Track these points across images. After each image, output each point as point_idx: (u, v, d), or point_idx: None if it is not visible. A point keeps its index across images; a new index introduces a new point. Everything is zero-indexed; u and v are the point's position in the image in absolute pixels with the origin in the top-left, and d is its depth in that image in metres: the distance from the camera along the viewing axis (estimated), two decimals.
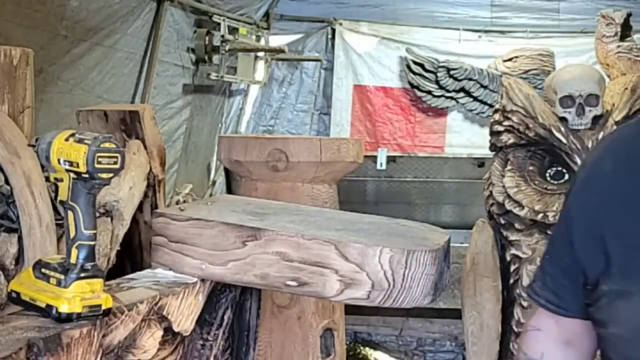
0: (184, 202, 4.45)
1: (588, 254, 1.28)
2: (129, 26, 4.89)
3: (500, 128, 2.77)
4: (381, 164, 6.16)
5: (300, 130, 7.31)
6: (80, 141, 1.14)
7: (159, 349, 1.30)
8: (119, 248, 2.11)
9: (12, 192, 1.72)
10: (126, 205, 2.15)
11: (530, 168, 2.72)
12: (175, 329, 1.34)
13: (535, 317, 1.44)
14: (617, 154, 1.32)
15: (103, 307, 1.16)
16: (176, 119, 5.81)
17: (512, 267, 2.70)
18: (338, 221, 1.45)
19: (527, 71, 6.41)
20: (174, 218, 1.43)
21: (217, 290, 1.44)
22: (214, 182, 6.62)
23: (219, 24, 6.02)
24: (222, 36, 6.01)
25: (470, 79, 6.93)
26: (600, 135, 2.62)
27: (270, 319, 2.20)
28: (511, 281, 2.70)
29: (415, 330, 5.90)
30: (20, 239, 1.72)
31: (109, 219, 2.09)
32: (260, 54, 6.88)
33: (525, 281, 2.64)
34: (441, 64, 7.01)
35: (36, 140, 1.20)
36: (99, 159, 1.13)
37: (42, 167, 1.40)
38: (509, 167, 2.73)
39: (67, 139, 1.16)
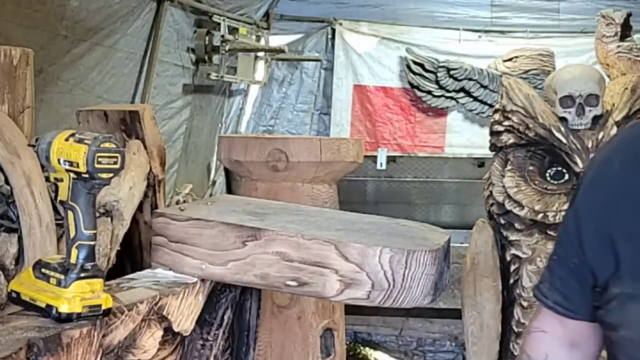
0: (184, 202, 4.45)
1: (597, 255, 1.26)
2: (129, 26, 4.89)
3: (500, 128, 2.77)
4: (381, 164, 6.16)
5: (300, 130, 7.31)
6: (80, 141, 1.14)
7: (159, 349, 1.30)
8: (119, 248, 2.11)
9: (12, 192, 1.72)
10: (126, 205, 2.15)
11: (530, 168, 2.72)
12: (175, 329, 1.34)
13: (538, 318, 1.41)
14: (626, 153, 1.30)
15: (103, 307, 1.16)
16: (176, 119, 5.81)
17: (512, 267, 2.70)
18: (338, 221, 1.45)
19: (527, 71, 6.41)
20: (174, 218, 1.43)
21: (217, 290, 1.44)
22: (214, 182, 6.62)
23: (219, 24, 6.02)
24: (222, 36, 6.01)
25: (470, 79, 6.93)
26: (600, 135, 2.62)
27: (270, 319, 2.20)
28: (511, 281, 2.70)
29: (415, 330, 5.90)
30: (20, 239, 1.72)
31: (109, 219, 2.09)
32: (260, 54, 6.88)
33: (525, 281, 2.64)
34: (441, 64, 7.01)
35: (36, 140, 1.20)
36: (99, 159, 1.13)
37: (42, 167, 1.40)
38: (509, 167, 2.73)
39: (67, 139, 1.16)
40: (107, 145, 1.14)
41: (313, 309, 2.22)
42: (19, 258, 1.72)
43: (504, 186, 2.72)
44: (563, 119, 2.67)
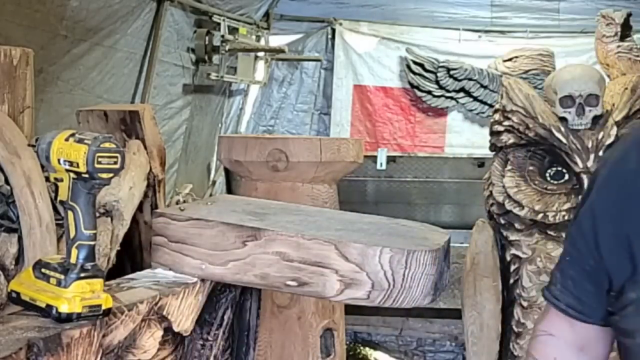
0: (184, 202, 4.45)
1: (614, 258, 1.22)
2: (129, 26, 4.89)
3: (500, 128, 2.77)
4: (381, 164, 6.16)
5: (300, 130, 7.31)
6: (80, 141, 1.14)
7: (159, 349, 1.30)
8: (119, 248, 2.11)
9: (12, 192, 1.72)
10: (126, 205, 2.15)
11: (530, 168, 2.72)
12: (175, 329, 1.34)
13: (546, 321, 1.37)
14: None
15: (103, 307, 1.16)
16: (176, 119, 5.81)
17: (512, 267, 2.70)
18: (338, 221, 1.45)
19: (527, 71, 6.41)
20: (174, 218, 1.43)
21: (217, 290, 1.44)
22: (214, 182, 6.62)
23: (219, 24, 6.02)
24: (222, 36, 6.01)
25: (470, 79, 6.93)
26: (600, 135, 2.62)
27: (270, 319, 2.20)
28: (511, 281, 2.70)
29: (415, 330, 5.90)
30: (20, 239, 1.72)
31: (109, 219, 2.09)
32: (260, 54, 6.88)
33: (525, 281, 2.64)
34: (441, 64, 7.01)
35: (36, 140, 1.20)
36: (99, 159, 1.13)
37: (42, 167, 1.40)
38: (509, 167, 2.73)
39: (67, 139, 1.16)
40: (107, 145, 1.14)
41: (313, 309, 2.22)
42: (19, 258, 1.72)
43: (504, 186, 2.72)
44: (563, 119, 2.67)
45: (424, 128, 7.30)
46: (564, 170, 2.68)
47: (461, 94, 7.02)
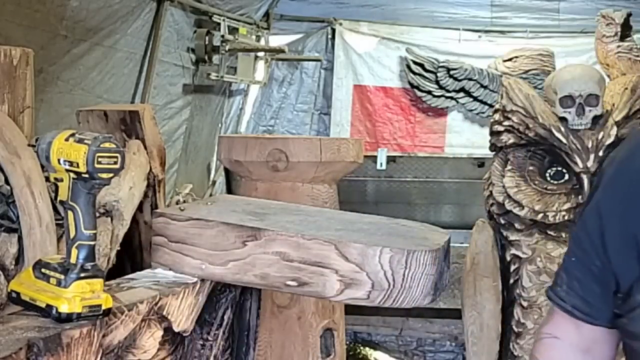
0: (184, 202, 4.45)
1: (621, 258, 1.20)
2: (129, 26, 4.89)
3: (500, 128, 2.77)
4: (381, 164, 6.16)
5: (300, 130, 7.31)
6: (80, 141, 1.14)
7: (159, 349, 1.30)
8: (119, 248, 2.11)
9: (12, 192, 1.72)
10: (126, 205, 2.16)
11: (530, 168, 2.72)
12: (175, 329, 1.34)
13: (551, 323, 1.35)
14: None
15: (103, 307, 1.16)
16: (176, 119, 5.81)
17: (512, 267, 2.70)
18: (338, 221, 1.44)
19: (527, 71, 6.41)
20: (174, 218, 1.43)
21: (217, 290, 1.44)
22: (214, 182, 6.62)
23: (219, 24, 6.02)
24: (222, 36, 6.01)
25: (470, 79, 6.93)
26: (600, 135, 2.62)
27: (270, 319, 2.20)
28: (511, 281, 2.70)
29: (415, 330, 5.90)
30: (20, 239, 1.72)
31: (109, 219, 2.09)
32: (260, 54, 6.88)
33: (525, 281, 2.64)
34: (441, 64, 7.01)
35: (36, 140, 1.20)
36: (99, 159, 1.13)
37: (42, 167, 1.40)
38: (509, 167, 2.73)
39: (67, 139, 1.16)
40: (107, 145, 1.14)
41: (313, 309, 2.22)
42: (19, 258, 1.72)
43: (504, 186, 2.72)
44: (563, 119, 2.67)
45: (424, 128, 7.30)
46: (564, 170, 2.68)
47: (461, 94, 7.02)
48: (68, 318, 1.13)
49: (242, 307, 1.52)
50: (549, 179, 2.70)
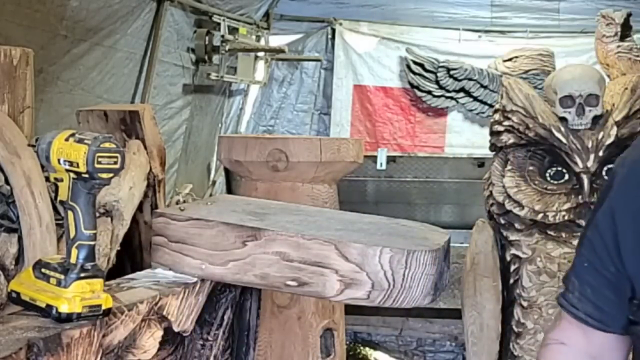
0: (184, 202, 4.45)
1: (636, 262, 1.15)
2: (129, 26, 4.89)
3: (500, 128, 2.77)
4: (381, 164, 6.16)
5: (300, 130, 7.31)
6: (80, 141, 1.14)
7: (159, 349, 1.30)
8: (119, 248, 2.11)
9: (12, 192, 1.72)
10: (126, 205, 2.16)
11: (530, 168, 2.71)
12: (175, 329, 1.34)
13: (558, 329, 1.31)
14: None
15: (103, 307, 1.16)
16: (176, 119, 5.82)
17: (512, 267, 2.70)
18: (338, 221, 1.44)
19: (527, 71, 6.41)
20: (174, 218, 1.42)
21: (217, 290, 1.44)
22: (214, 182, 6.62)
23: (219, 24, 6.02)
24: (222, 36, 6.01)
25: (470, 79, 6.93)
26: (600, 135, 2.62)
27: (270, 319, 2.20)
28: (511, 281, 2.70)
29: (415, 330, 5.90)
30: (20, 239, 1.72)
31: (109, 219, 2.09)
32: (260, 54, 6.88)
33: (525, 281, 2.64)
34: (441, 64, 7.01)
35: (36, 140, 1.20)
36: (99, 159, 1.13)
37: (42, 167, 1.40)
38: (509, 167, 2.73)
39: (67, 139, 1.16)
40: (107, 145, 1.14)
41: (313, 309, 2.22)
42: (19, 258, 1.72)
43: (504, 186, 2.72)
44: (563, 119, 2.67)
45: (424, 128, 7.30)
46: (564, 170, 2.68)
47: (461, 94, 7.02)
48: (68, 318, 1.13)
49: (242, 307, 1.52)
50: (549, 179, 2.70)
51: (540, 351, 1.37)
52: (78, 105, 3.18)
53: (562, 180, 2.68)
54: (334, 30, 7.26)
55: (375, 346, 6.07)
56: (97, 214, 1.66)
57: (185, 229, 1.41)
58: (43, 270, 1.19)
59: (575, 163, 2.62)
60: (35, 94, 1.92)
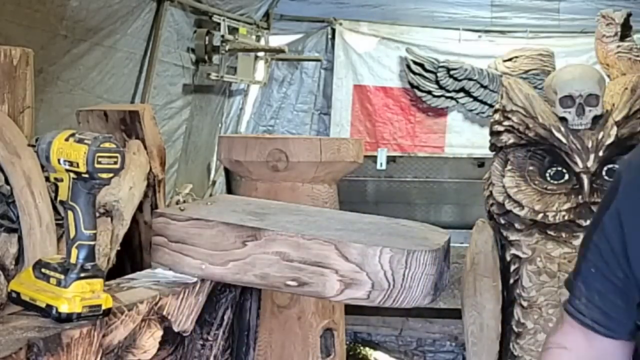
0: (184, 202, 4.45)
1: None
2: (129, 26, 4.89)
3: (500, 128, 2.77)
4: (381, 164, 6.17)
5: (300, 130, 7.32)
6: (80, 141, 1.14)
7: (159, 349, 1.30)
8: (119, 248, 2.11)
9: (12, 192, 1.72)
10: (126, 205, 2.16)
11: (530, 168, 2.71)
12: (175, 329, 1.34)
13: (559, 333, 1.30)
14: None
15: (103, 307, 1.16)
16: (176, 119, 5.82)
17: (512, 267, 2.70)
18: (338, 221, 1.44)
19: (527, 71, 6.41)
20: (174, 218, 1.42)
21: (217, 290, 1.44)
22: (214, 182, 6.62)
23: (219, 24, 6.02)
24: (222, 36, 6.01)
25: (470, 79, 6.93)
26: (600, 135, 2.62)
27: (270, 319, 2.20)
28: (511, 281, 2.70)
29: (415, 330, 5.90)
30: (20, 239, 1.72)
31: (109, 219, 2.09)
32: (260, 54, 6.88)
33: (525, 281, 2.64)
34: (441, 64, 7.02)
35: (36, 140, 1.20)
36: (99, 159, 1.13)
37: (42, 167, 1.40)
38: (509, 167, 2.73)
39: (67, 139, 1.16)
40: (107, 145, 1.14)
41: (313, 309, 2.22)
42: (19, 258, 1.72)
43: (504, 186, 2.72)
44: (563, 119, 2.67)
45: (424, 128, 7.30)
46: (564, 170, 2.68)
47: (461, 94, 7.03)
48: (68, 318, 1.13)
49: (242, 307, 1.52)
50: (549, 179, 2.70)
51: (541, 355, 1.35)
52: (78, 105, 3.18)
53: (562, 180, 2.68)
54: (334, 30, 7.26)
55: (375, 346, 6.08)
56: (97, 214, 1.66)
57: (185, 229, 1.41)
58: (43, 270, 1.19)
59: (575, 163, 2.62)
60: (35, 94, 1.92)
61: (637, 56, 3.35)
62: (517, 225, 2.69)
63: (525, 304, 2.64)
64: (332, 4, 7.19)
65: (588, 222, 2.59)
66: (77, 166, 1.14)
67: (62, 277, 1.16)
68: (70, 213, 1.17)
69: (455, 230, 4.19)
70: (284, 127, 7.33)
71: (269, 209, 1.54)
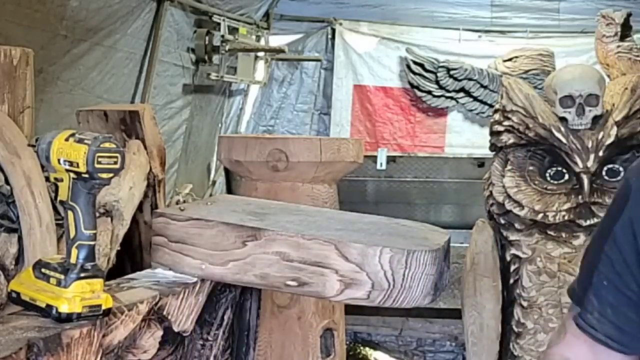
0: (184, 202, 4.45)
1: None
2: (129, 26, 4.90)
3: (500, 128, 2.77)
4: (381, 164, 6.17)
5: (300, 130, 7.32)
6: (80, 141, 1.14)
7: (159, 349, 1.30)
8: (119, 248, 2.11)
9: (12, 192, 1.72)
10: (126, 205, 2.16)
11: (530, 168, 2.72)
12: (175, 329, 1.34)
13: (563, 343, 1.26)
14: None
15: (103, 307, 1.15)
16: (176, 119, 5.82)
17: (512, 267, 2.70)
18: (338, 221, 1.44)
19: (527, 71, 6.42)
20: (174, 218, 1.42)
21: (217, 290, 1.44)
22: (214, 182, 6.62)
23: (219, 24, 6.02)
24: (222, 36, 6.01)
25: (470, 79, 6.93)
26: (600, 135, 2.62)
27: (270, 319, 2.20)
28: (511, 281, 2.70)
29: (415, 330, 5.90)
30: (20, 239, 1.72)
31: (109, 219, 2.09)
32: (260, 54, 6.88)
33: (525, 281, 2.64)
34: (441, 64, 7.02)
35: (36, 140, 1.20)
36: (99, 159, 1.13)
37: (42, 167, 1.40)
38: (509, 167, 2.73)
39: (67, 139, 1.15)
40: (107, 145, 1.14)
41: (313, 309, 2.22)
42: (19, 258, 1.72)
43: (504, 186, 2.72)
44: (563, 119, 2.67)
45: (424, 128, 7.30)
46: (564, 170, 2.68)
47: (461, 94, 7.03)
48: (68, 318, 1.13)
49: (242, 307, 1.52)
50: (549, 179, 2.70)
51: None
52: (78, 105, 3.18)
53: (562, 180, 2.68)
54: (334, 30, 7.26)
55: (375, 346, 6.08)
56: (97, 214, 1.66)
57: (185, 229, 1.41)
58: (43, 270, 1.19)
59: (575, 163, 2.62)
60: (35, 94, 1.92)
61: (637, 56, 3.35)
62: (517, 225, 2.69)
63: (525, 304, 2.64)
64: (332, 4, 7.19)
65: (588, 222, 2.60)
66: (77, 166, 1.14)
67: (62, 277, 1.16)
68: (70, 213, 1.17)
69: (455, 230, 4.19)
70: (284, 127, 7.33)
71: (269, 209, 1.54)
